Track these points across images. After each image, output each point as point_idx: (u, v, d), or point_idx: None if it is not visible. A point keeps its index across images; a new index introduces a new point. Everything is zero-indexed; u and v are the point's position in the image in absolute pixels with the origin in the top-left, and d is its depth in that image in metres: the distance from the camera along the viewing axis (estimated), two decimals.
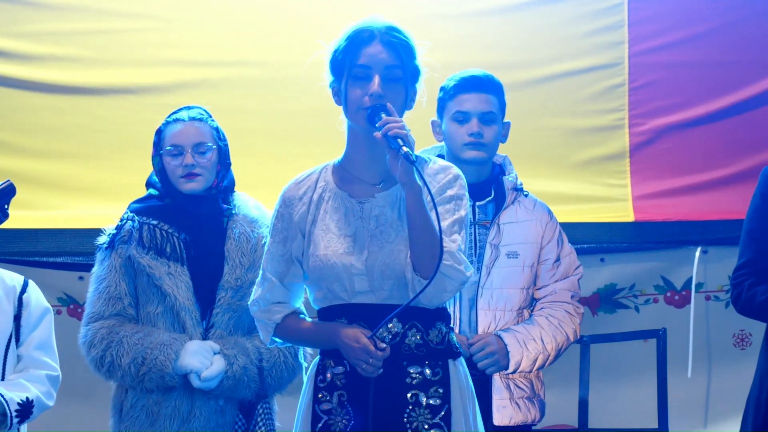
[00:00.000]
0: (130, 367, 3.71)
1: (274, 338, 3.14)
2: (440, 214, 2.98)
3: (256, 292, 3.14)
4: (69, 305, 5.24)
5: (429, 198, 2.95)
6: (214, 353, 3.74)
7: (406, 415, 2.99)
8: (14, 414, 3.66)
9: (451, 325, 3.12)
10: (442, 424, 3.00)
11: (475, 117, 3.91)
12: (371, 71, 3.00)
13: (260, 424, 3.80)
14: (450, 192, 3.05)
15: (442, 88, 3.96)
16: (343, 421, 3.02)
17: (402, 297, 3.01)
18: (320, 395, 3.05)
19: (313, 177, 3.14)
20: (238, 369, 3.73)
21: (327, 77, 3.10)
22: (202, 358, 3.70)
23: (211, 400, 3.77)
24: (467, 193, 3.08)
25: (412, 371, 3.01)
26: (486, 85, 3.94)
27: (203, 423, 3.75)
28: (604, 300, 5.42)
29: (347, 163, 3.11)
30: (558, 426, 5.01)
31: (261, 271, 3.14)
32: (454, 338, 3.09)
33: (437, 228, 2.92)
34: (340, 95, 3.06)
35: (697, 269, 5.36)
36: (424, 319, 3.04)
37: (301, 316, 3.13)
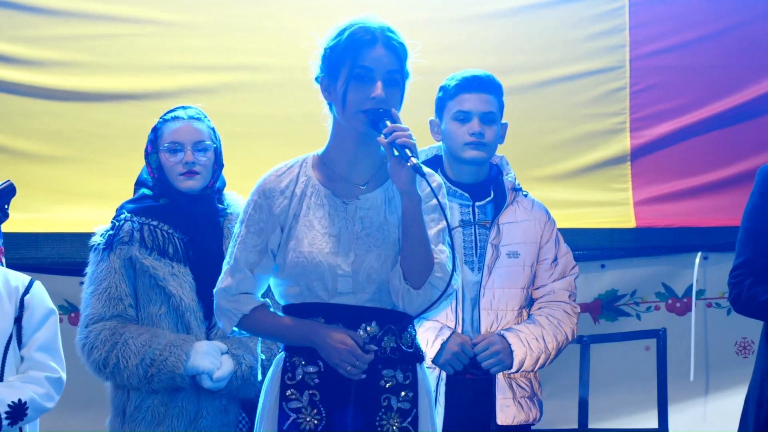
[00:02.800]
0: (137, 368, 3.68)
1: (236, 329, 3.10)
2: (425, 224, 2.98)
3: (224, 280, 3.08)
4: (70, 313, 5.23)
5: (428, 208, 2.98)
6: (222, 353, 3.73)
7: (378, 419, 2.99)
8: (4, 416, 3.63)
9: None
10: (410, 428, 3.00)
11: (476, 117, 3.91)
12: (374, 74, 2.98)
13: None
14: (433, 202, 3.03)
15: (442, 88, 3.95)
16: (314, 420, 2.99)
17: (382, 300, 3.01)
18: (288, 393, 3.02)
19: (294, 170, 3.09)
20: (246, 369, 3.72)
21: (314, 69, 3.08)
22: (212, 359, 3.69)
23: (216, 400, 3.76)
24: (447, 201, 3.09)
25: (386, 375, 3.01)
26: (487, 86, 3.94)
27: (210, 422, 3.74)
28: (605, 307, 5.41)
29: (329, 160, 3.08)
30: (558, 429, 5.00)
31: (231, 260, 3.07)
32: (418, 342, 3.10)
33: (428, 241, 2.94)
34: (331, 92, 3.03)
35: (698, 276, 5.35)
36: (398, 323, 3.03)
37: (271, 309, 3.09)
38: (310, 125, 5.16)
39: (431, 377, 3.34)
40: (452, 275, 2.98)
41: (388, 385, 3.00)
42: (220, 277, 3.09)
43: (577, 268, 4.05)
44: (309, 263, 2.99)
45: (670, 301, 5.42)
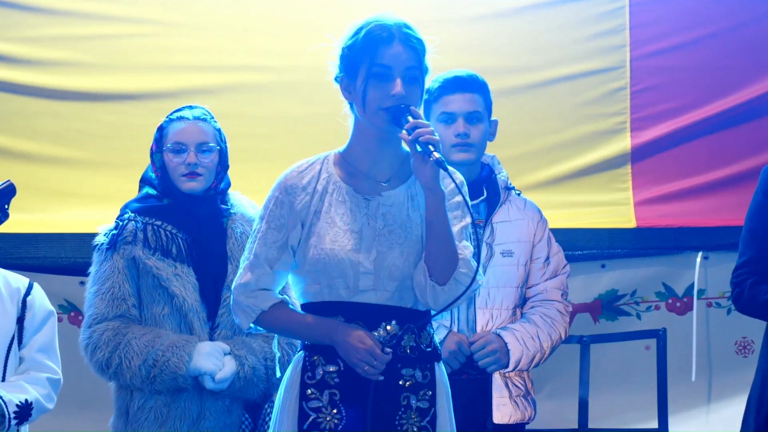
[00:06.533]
0: (140, 369, 3.68)
1: (253, 325, 3.10)
2: (449, 221, 3.00)
3: (243, 276, 3.07)
4: (70, 312, 5.23)
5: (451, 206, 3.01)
6: (225, 354, 3.73)
7: (397, 418, 3.00)
8: (12, 416, 3.66)
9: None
10: (429, 426, 3.01)
11: (460, 117, 3.92)
12: (392, 71, 2.98)
13: (268, 423, 3.76)
14: (457, 198, 3.05)
15: (427, 91, 3.94)
16: (334, 420, 3.00)
17: (402, 299, 3.01)
18: (309, 392, 3.03)
19: (316, 166, 3.11)
20: (249, 369, 3.72)
21: (333, 70, 3.09)
22: (215, 360, 3.69)
23: (219, 401, 3.76)
24: (469, 199, 3.10)
25: (405, 374, 3.02)
26: (470, 85, 3.94)
27: (213, 423, 3.74)
28: (605, 306, 5.41)
29: (351, 157, 3.10)
30: (558, 429, 4.99)
31: (251, 256, 3.07)
32: (436, 341, 3.11)
33: (452, 237, 2.96)
34: (351, 91, 3.04)
35: (698, 275, 5.34)
36: (418, 322, 3.04)
37: (290, 306, 3.10)
38: (312, 126, 5.25)
39: None
40: (477, 271, 2.99)
41: (407, 384, 3.01)
42: (238, 273, 3.10)
43: (569, 267, 4.07)
44: (331, 260, 3.00)
45: (670, 301, 5.41)
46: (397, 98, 2.97)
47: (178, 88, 5.29)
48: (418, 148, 2.92)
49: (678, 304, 5.41)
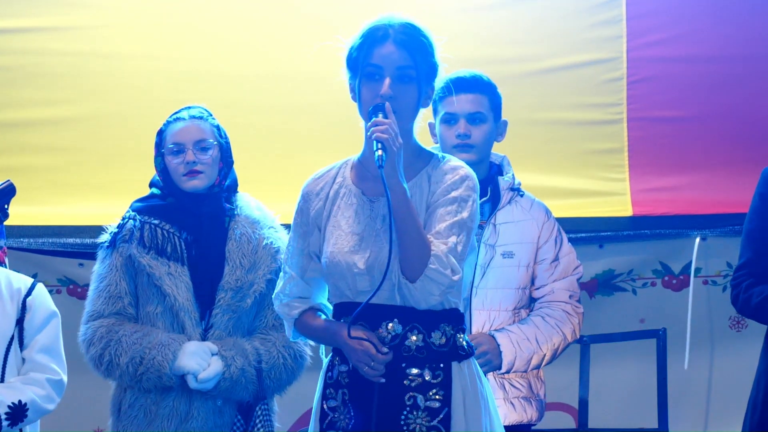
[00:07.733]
0: (128, 366, 3.73)
1: (295, 333, 3.18)
2: (440, 216, 2.99)
3: (277, 286, 3.17)
4: (69, 285, 5.24)
5: (418, 202, 3.01)
6: (212, 354, 3.75)
7: (403, 417, 3.01)
8: (3, 416, 3.67)
9: (464, 326, 3.08)
10: (441, 427, 3.00)
11: (462, 118, 3.92)
12: (383, 71, 3.00)
13: (259, 425, 3.82)
14: (454, 193, 3.03)
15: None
16: (345, 419, 3.05)
17: (404, 298, 3.02)
18: (328, 392, 3.09)
19: (332, 172, 3.15)
20: (236, 371, 3.75)
21: (344, 73, 3.11)
22: (199, 360, 3.72)
23: (209, 401, 3.79)
24: (477, 195, 3.06)
25: (411, 373, 3.02)
26: (472, 86, 3.93)
27: (201, 423, 3.77)
28: (602, 285, 5.42)
29: (365, 160, 3.12)
30: (558, 429, 5.01)
31: (282, 265, 3.17)
32: (461, 340, 3.07)
33: (419, 232, 2.93)
34: (354, 91, 3.08)
35: (696, 255, 5.35)
36: (425, 321, 3.03)
37: (318, 312, 3.15)
38: (309, 117, 5.25)
39: None
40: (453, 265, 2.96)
41: (413, 383, 3.00)
42: (277, 283, 3.20)
43: (582, 267, 4.05)
44: (331, 263, 3.04)
45: (666, 278, 5.43)
46: (384, 98, 2.99)
47: (178, 78, 5.26)
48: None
49: (674, 281, 5.43)
